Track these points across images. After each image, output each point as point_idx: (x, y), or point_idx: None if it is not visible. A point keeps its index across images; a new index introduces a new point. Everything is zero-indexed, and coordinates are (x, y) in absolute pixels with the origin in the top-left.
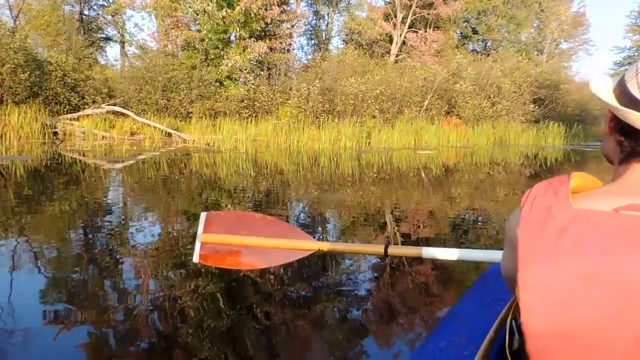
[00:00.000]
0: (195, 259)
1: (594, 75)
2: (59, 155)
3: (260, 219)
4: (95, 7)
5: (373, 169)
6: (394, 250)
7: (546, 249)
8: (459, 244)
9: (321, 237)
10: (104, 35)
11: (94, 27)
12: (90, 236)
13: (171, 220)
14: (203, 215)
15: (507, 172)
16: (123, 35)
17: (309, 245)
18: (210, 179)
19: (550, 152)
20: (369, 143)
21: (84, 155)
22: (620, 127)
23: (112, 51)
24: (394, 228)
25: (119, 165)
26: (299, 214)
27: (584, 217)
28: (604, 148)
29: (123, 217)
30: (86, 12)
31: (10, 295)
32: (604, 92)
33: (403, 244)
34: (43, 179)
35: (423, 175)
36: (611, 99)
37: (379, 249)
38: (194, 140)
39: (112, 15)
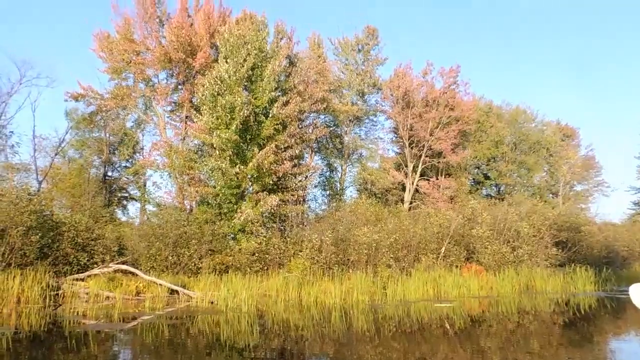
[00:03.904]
0: None
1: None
2: (62, 319)
3: None
4: (118, 168)
5: (392, 323)
6: None
7: None
8: None
9: None
10: (126, 194)
11: (116, 187)
12: None
13: None
14: None
15: (539, 321)
16: (143, 194)
17: None
18: (218, 340)
19: (582, 299)
20: (386, 295)
21: (85, 318)
22: None
23: (133, 208)
24: None
25: (120, 329)
26: None
27: None
28: None
29: None
30: (109, 174)
31: None
32: None
33: None
34: (41, 348)
35: (448, 326)
36: None
37: None
38: (196, 300)
39: (132, 176)
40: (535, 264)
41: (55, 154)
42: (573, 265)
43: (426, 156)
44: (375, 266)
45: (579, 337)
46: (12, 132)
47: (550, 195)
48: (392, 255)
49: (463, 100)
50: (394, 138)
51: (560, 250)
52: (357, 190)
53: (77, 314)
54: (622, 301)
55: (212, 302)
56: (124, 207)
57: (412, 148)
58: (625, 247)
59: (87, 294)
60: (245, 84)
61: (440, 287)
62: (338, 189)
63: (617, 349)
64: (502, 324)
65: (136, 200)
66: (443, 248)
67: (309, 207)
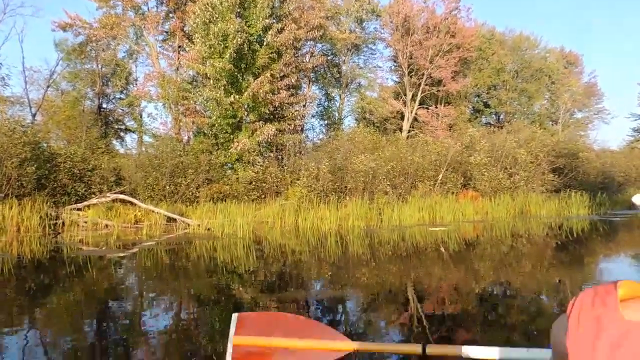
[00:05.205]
0: None
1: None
2: (62, 246)
3: (293, 319)
4: (113, 100)
5: (387, 247)
6: (432, 349)
7: None
8: (487, 321)
9: (348, 329)
10: (122, 126)
11: (112, 119)
12: (102, 327)
13: (185, 309)
14: (235, 316)
15: (532, 244)
16: (140, 126)
17: (344, 345)
18: (217, 264)
19: (575, 222)
20: (381, 220)
21: (85, 245)
22: None
23: (131, 139)
24: (418, 308)
25: (121, 255)
26: (316, 299)
27: (638, 331)
28: None
29: (135, 307)
30: (104, 105)
31: None
32: None
33: (436, 337)
34: (45, 273)
35: (442, 250)
36: None
37: (417, 348)
38: (195, 226)
39: (127, 107)
40: (531, 190)
41: (48, 86)
42: (569, 190)
43: (425, 84)
44: (372, 193)
45: (570, 258)
46: (0, 63)
47: (550, 122)
48: (389, 183)
49: (465, 26)
50: (393, 66)
51: (556, 176)
52: (356, 120)
53: (77, 241)
54: (614, 224)
55: (208, 229)
56: (122, 138)
57: (411, 76)
58: (621, 173)
59: (85, 222)
60: (238, 10)
61: (435, 213)
62: (336, 118)
63: (605, 269)
64: (495, 247)
65: (132, 132)
66: (440, 175)
67: (307, 136)
